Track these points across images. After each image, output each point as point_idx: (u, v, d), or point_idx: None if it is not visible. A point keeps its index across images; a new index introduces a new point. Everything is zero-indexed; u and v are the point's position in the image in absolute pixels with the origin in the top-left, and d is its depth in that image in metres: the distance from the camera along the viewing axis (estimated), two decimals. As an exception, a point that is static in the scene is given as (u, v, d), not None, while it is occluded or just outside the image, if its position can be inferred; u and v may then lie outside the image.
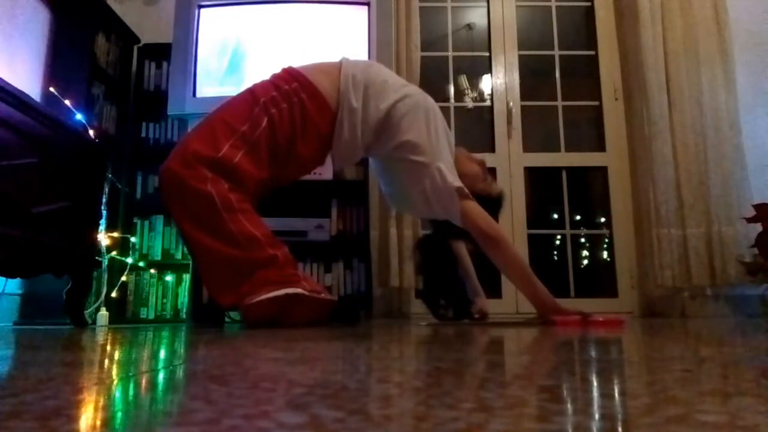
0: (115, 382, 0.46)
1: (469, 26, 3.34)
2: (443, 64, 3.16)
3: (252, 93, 1.63)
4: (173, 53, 2.34)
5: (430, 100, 1.75)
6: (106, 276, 2.42)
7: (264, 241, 1.50)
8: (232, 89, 2.27)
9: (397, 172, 1.73)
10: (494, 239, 1.62)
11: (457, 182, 1.62)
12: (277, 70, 1.71)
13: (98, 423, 0.30)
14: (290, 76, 1.66)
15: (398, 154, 1.65)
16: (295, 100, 1.60)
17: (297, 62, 1.74)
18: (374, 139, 1.69)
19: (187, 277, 2.58)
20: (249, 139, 1.56)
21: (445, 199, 1.61)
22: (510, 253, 1.64)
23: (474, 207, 1.64)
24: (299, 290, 1.48)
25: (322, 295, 1.58)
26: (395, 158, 1.67)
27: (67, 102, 2.34)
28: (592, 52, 3.17)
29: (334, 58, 1.79)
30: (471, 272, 1.97)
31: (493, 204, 1.82)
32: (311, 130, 1.63)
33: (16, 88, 1.56)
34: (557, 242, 3.08)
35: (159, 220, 2.67)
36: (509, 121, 3.05)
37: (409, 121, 1.64)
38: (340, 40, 2.36)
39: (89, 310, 2.23)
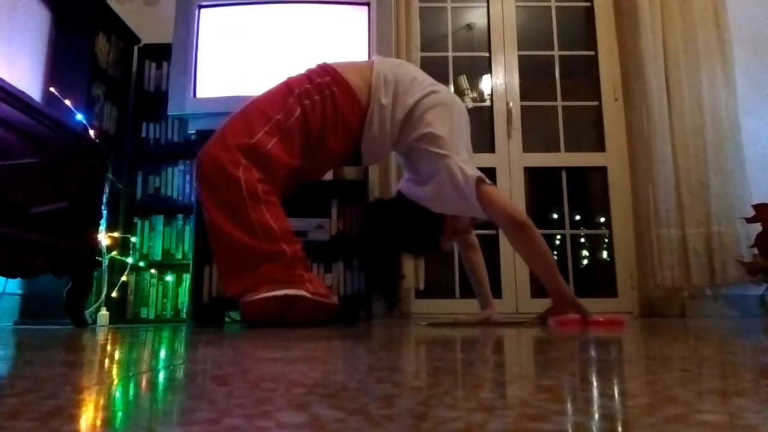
0: (115, 382, 0.46)
1: (469, 26, 3.34)
2: (443, 64, 3.16)
3: (287, 85, 1.69)
4: (173, 53, 2.33)
5: (457, 100, 1.78)
6: (106, 276, 2.42)
7: (280, 234, 1.54)
8: (232, 89, 2.27)
9: (416, 164, 1.74)
10: (521, 225, 1.57)
11: (477, 173, 1.62)
12: (312, 65, 1.76)
13: (98, 423, 0.30)
14: (323, 70, 1.72)
15: (419, 145, 1.67)
16: (327, 93, 1.66)
17: (307, 62, 1.79)
18: (399, 133, 1.71)
19: (187, 277, 2.58)
20: (283, 126, 1.61)
21: (464, 189, 1.59)
22: (536, 240, 1.58)
23: (496, 192, 1.63)
24: (301, 292, 1.48)
25: (326, 299, 1.57)
26: (416, 149, 1.69)
27: (67, 102, 2.34)
28: (592, 52, 3.17)
29: (338, 58, 1.83)
30: (483, 282, 1.95)
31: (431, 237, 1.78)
32: (341, 124, 1.68)
33: (16, 88, 1.56)
34: (557, 242, 3.08)
35: (159, 220, 2.67)
36: (509, 121, 3.05)
37: (433, 115, 1.66)
38: (340, 40, 2.36)
39: (89, 310, 2.23)
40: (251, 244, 1.50)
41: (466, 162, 1.63)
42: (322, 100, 1.65)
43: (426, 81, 1.77)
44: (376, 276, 1.93)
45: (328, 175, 2.45)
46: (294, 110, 1.63)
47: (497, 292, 2.85)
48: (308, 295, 1.49)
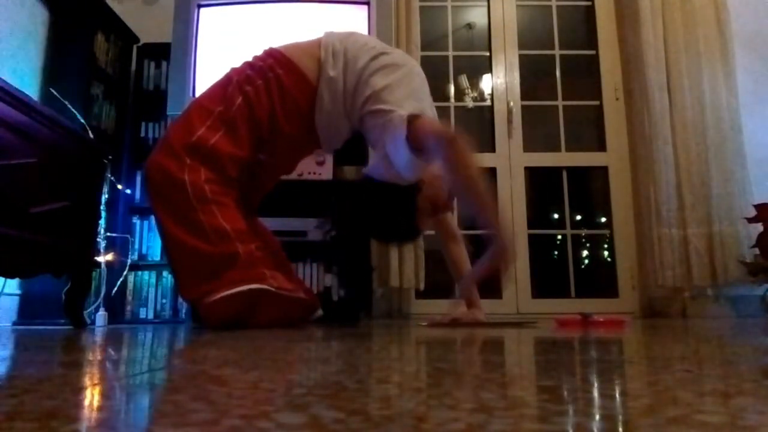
0: (114, 383, 0.46)
1: (470, 25, 3.34)
2: (443, 63, 3.16)
3: (227, 76, 1.63)
4: (172, 53, 2.33)
5: (412, 61, 1.67)
6: (105, 276, 2.42)
7: (233, 235, 1.46)
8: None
9: (369, 134, 1.59)
10: (451, 139, 1.39)
11: (413, 110, 1.44)
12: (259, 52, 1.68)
13: (98, 423, 0.29)
14: (267, 54, 1.64)
15: (367, 109, 1.54)
16: (271, 76, 1.57)
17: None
18: (352, 103, 1.59)
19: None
20: (225, 118, 1.54)
21: (396, 132, 1.42)
22: (468, 154, 1.40)
23: (424, 122, 1.43)
24: (264, 286, 1.42)
25: (292, 294, 1.50)
26: (366, 116, 1.55)
27: (66, 102, 2.33)
28: (593, 52, 3.17)
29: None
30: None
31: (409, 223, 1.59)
32: (291, 106, 1.59)
33: (15, 88, 1.55)
34: (558, 242, 3.08)
35: (159, 220, 2.67)
36: (510, 121, 3.05)
37: (380, 76, 1.55)
38: (340, 39, 2.36)
39: (88, 311, 2.23)
40: (203, 248, 1.43)
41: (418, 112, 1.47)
42: (266, 84, 1.56)
43: (378, 45, 1.66)
44: (347, 268, 1.77)
45: (328, 175, 2.44)
46: (235, 99, 1.55)
47: (497, 292, 2.84)
48: (272, 288, 1.43)
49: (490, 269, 1.44)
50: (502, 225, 1.43)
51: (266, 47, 1.67)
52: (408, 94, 1.53)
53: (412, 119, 1.42)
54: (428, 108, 1.61)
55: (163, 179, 1.50)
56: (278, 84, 1.58)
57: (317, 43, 1.65)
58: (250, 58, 1.67)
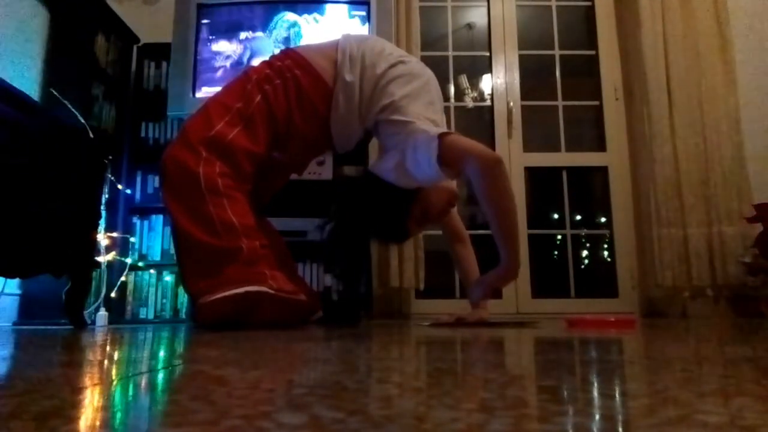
0: (114, 383, 0.46)
1: (470, 26, 3.34)
2: (443, 63, 3.16)
3: (245, 73, 1.65)
4: (173, 53, 2.33)
5: (428, 71, 1.69)
6: (105, 276, 2.42)
7: (240, 230, 1.46)
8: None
9: (383, 139, 1.62)
10: (496, 162, 1.38)
11: (442, 130, 1.44)
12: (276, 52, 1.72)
13: (98, 423, 0.30)
14: (284, 55, 1.67)
15: (383, 117, 1.56)
16: (288, 76, 1.60)
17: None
18: (367, 110, 1.62)
19: (187, 277, 2.57)
20: (244, 114, 1.56)
21: (424, 146, 1.40)
22: (509, 184, 1.42)
23: (459, 138, 1.42)
24: (263, 288, 1.41)
25: (292, 296, 1.49)
26: (381, 123, 1.58)
27: (66, 102, 2.33)
28: (593, 52, 3.17)
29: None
30: (473, 278, 1.81)
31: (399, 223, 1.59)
32: (307, 106, 1.61)
33: (15, 88, 1.56)
34: (558, 242, 3.08)
35: (158, 220, 2.67)
36: (509, 121, 3.05)
37: (397, 85, 1.57)
38: (340, 39, 2.36)
39: (88, 311, 2.23)
40: (209, 241, 1.43)
41: (433, 124, 1.49)
42: (284, 84, 1.59)
43: (395, 52, 1.68)
44: (338, 262, 1.78)
45: (328, 175, 2.44)
46: (254, 96, 1.57)
47: (497, 292, 2.84)
48: (271, 291, 1.42)
49: (496, 282, 1.57)
50: (518, 253, 1.51)
51: (284, 48, 1.72)
52: (425, 105, 1.56)
53: (443, 136, 1.40)
54: (441, 119, 1.63)
55: (177, 171, 1.51)
56: (295, 84, 1.60)
57: (334, 46, 1.67)
58: (267, 58, 1.69)
